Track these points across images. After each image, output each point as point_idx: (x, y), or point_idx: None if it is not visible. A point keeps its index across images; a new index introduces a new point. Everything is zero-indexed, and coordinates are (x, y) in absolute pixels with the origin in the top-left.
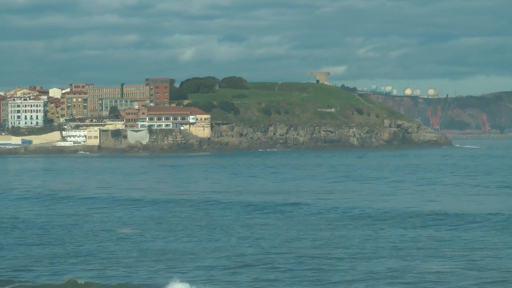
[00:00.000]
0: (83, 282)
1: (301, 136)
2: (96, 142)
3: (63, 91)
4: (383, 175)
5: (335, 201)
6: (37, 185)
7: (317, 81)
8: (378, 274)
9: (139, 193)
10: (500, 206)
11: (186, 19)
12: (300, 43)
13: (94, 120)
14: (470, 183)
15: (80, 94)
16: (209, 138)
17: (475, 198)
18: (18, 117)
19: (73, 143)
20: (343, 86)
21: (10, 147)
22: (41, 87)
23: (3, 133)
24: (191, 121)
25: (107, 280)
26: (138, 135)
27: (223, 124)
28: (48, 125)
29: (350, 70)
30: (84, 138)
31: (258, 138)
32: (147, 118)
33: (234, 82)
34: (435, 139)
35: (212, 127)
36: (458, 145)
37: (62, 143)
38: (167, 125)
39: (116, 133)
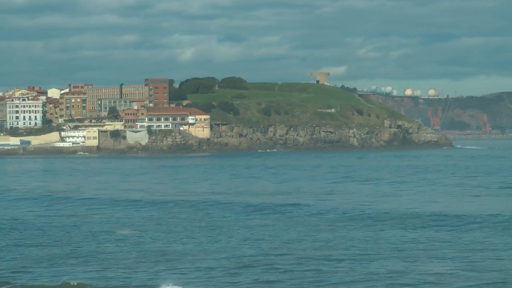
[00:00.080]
0: (76, 284)
1: (301, 136)
2: (95, 142)
3: (62, 92)
4: (383, 176)
5: (335, 202)
6: (36, 186)
7: (317, 81)
8: (378, 275)
9: (138, 194)
10: (501, 207)
11: (185, 19)
12: (300, 43)
13: (93, 121)
14: (471, 184)
15: (79, 94)
16: (208, 139)
17: (476, 199)
18: (17, 117)
19: (72, 143)
20: (343, 86)
21: (9, 147)
22: (40, 88)
23: (2, 134)
24: (190, 121)
25: (106, 282)
26: (137, 136)
27: (222, 124)
28: (47, 125)
29: (350, 70)
30: (83, 138)
31: (258, 139)
32: (146, 118)
33: (233, 83)
34: (435, 139)
35: (211, 127)
36: (459, 146)
37: (61, 144)
38: (166, 125)
39: (115, 134)
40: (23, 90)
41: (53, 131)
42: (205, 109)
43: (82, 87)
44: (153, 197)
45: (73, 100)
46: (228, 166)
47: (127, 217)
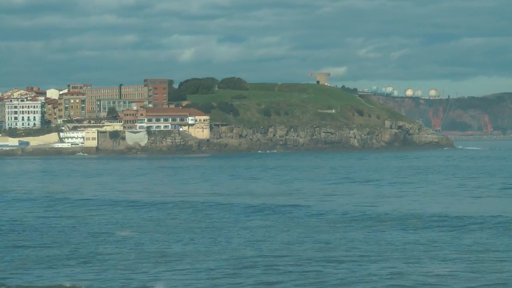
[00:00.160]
0: (68, 285)
1: (301, 137)
2: (94, 143)
3: (61, 92)
4: (384, 177)
5: (335, 203)
6: (35, 187)
7: (317, 82)
8: (379, 276)
9: (137, 195)
10: (502, 208)
11: (185, 19)
12: (300, 43)
13: (92, 121)
14: (472, 184)
15: (78, 95)
16: (208, 140)
17: (477, 200)
18: (15, 118)
19: (71, 144)
20: (343, 87)
21: (7, 148)
22: (39, 88)
23: (0, 135)
24: (190, 122)
25: (105, 283)
26: (137, 137)
27: (222, 125)
28: (46, 126)
29: (350, 70)
30: (82, 139)
31: (258, 140)
32: (146, 119)
33: (233, 83)
34: (436, 140)
35: (211, 128)
36: (460, 147)
37: (60, 145)
38: (165, 126)
39: (114, 135)
40: (22, 91)
41: (52, 132)
42: (205, 110)
43: (81, 87)
44: (152, 198)
45: (72, 101)
46: (228, 167)
47: (126, 218)
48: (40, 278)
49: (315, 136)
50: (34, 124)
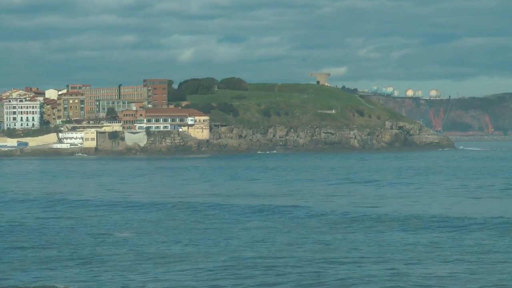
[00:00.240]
0: (62, 287)
1: (301, 138)
2: (93, 144)
3: (60, 92)
4: (384, 178)
5: (335, 204)
6: (33, 187)
7: (317, 82)
8: (378, 277)
9: (136, 195)
10: (503, 209)
11: (184, 19)
12: (300, 43)
13: (91, 122)
14: (473, 185)
15: (76, 95)
16: (207, 140)
17: (478, 201)
18: (14, 118)
19: (70, 145)
20: (343, 87)
21: (6, 149)
22: (37, 88)
23: None
24: (189, 122)
25: (103, 284)
26: (136, 137)
27: (222, 125)
28: (44, 126)
29: (350, 71)
30: (81, 140)
31: (258, 140)
32: (145, 119)
33: (233, 83)
34: (437, 141)
35: (210, 128)
36: (461, 147)
37: (59, 145)
38: (165, 126)
39: (114, 135)
40: (21, 91)
41: (51, 132)
42: (204, 110)
43: (80, 87)
44: (151, 199)
45: (71, 101)
46: (227, 167)
47: (125, 219)
48: (38, 279)
49: (315, 137)
50: (33, 124)
